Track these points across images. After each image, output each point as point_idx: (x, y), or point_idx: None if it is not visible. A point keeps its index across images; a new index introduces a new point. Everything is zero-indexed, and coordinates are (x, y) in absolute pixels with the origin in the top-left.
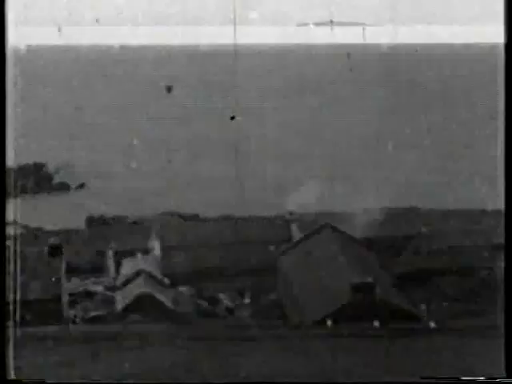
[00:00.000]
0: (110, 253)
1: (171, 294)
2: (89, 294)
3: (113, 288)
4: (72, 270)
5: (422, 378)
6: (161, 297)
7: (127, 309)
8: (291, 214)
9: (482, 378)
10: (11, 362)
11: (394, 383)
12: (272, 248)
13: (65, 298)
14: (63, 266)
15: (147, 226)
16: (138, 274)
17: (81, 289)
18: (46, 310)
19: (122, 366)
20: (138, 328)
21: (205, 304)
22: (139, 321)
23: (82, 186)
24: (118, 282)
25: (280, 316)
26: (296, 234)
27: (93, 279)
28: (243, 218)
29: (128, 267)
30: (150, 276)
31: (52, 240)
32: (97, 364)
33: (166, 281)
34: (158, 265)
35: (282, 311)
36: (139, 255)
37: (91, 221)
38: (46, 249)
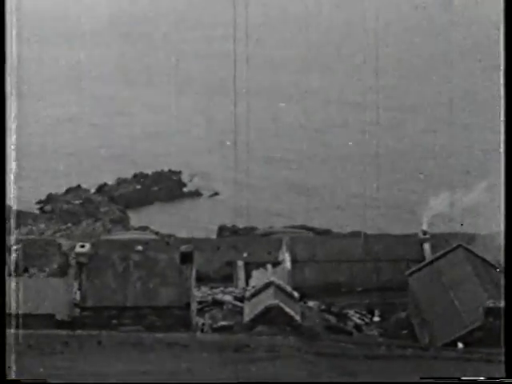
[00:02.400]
0: (240, 263)
1: (300, 308)
2: (217, 303)
3: (242, 298)
4: (201, 279)
5: (422, 378)
6: (289, 310)
7: (255, 320)
8: (424, 233)
9: (482, 378)
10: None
11: (394, 383)
12: (403, 266)
13: (194, 306)
14: (193, 274)
15: (277, 238)
16: (267, 285)
17: (209, 297)
18: (175, 316)
19: (247, 377)
20: (265, 340)
21: (333, 320)
22: (266, 332)
23: (215, 194)
24: (247, 293)
25: (409, 336)
26: (428, 253)
27: (222, 288)
28: (375, 235)
29: (257, 278)
30: (280, 288)
31: (184, 247)
32: (223, 374)
33: (296, 294)
34: (288, 278)
35: (412, 331)
36: (269, 267)
37: (222, 230)
38: (177, 256)
